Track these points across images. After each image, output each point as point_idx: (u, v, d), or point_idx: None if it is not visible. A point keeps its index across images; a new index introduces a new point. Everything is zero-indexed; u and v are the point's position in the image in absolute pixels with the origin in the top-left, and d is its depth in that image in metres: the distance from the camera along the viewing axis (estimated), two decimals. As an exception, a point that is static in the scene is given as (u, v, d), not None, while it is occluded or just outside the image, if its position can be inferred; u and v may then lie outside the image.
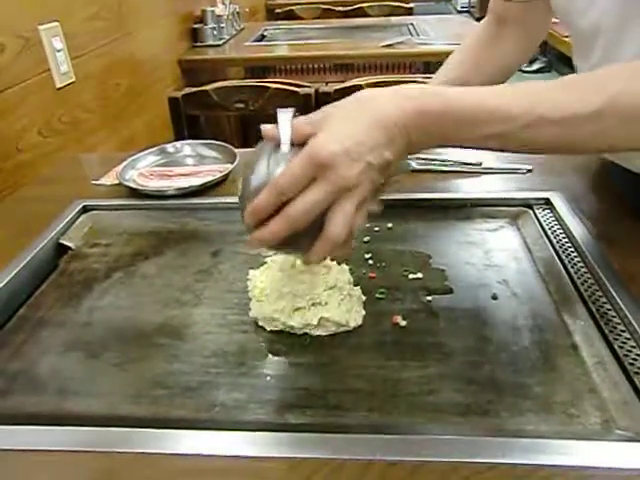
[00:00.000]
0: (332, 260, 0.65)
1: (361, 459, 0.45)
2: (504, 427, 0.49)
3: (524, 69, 4.67)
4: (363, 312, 0.62)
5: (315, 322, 0.59)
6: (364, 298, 0.64)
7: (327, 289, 0.62)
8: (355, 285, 0.65)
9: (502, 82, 0.72)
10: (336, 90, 1.48)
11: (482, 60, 0.69)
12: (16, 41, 1.15)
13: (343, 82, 1.52)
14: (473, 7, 6.40)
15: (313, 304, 0.60)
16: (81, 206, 0.87)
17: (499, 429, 0.49)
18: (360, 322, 0.61)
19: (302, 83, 1.54)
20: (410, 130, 0.47)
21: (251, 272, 0.68)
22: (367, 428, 0.49)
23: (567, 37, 3.62)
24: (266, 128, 0.50)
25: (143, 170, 0.97)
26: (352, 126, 0.46)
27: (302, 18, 3.23)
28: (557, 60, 4.54)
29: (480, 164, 0.93)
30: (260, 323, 0.62)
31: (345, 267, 0.66)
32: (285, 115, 0.52)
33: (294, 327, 0.60)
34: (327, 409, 0.52)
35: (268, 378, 0.56)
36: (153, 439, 0.48)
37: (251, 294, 0.64)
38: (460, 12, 6.25)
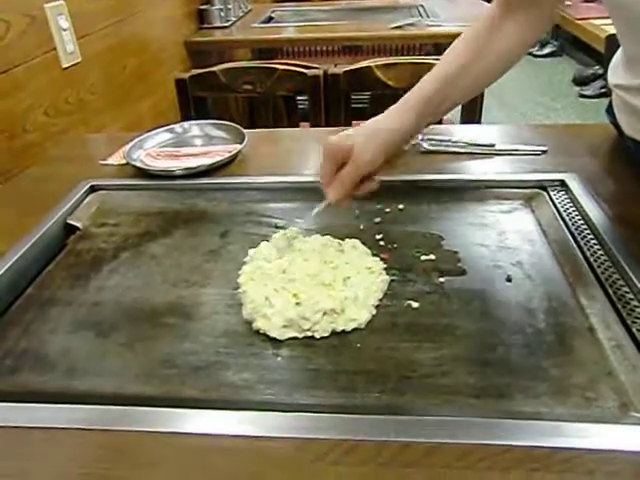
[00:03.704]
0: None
1: (374, 440, 0.44)
2: (519, 410, 0.48)
3: (535, 53, 4.59)
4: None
5: (327, 333, 0.57)
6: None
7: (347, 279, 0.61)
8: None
9: (505, 70, 0.70)
10: (345, 72, 1.46)
11: (483, 48, 0.67)
12: (22, 19, 1.13)
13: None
14: (483, -11, 6.30)
15: (325, 314, 0.58)
16: (89, 186, 0.86)
17: (514, 412, 0.48)
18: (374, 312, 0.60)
19: (310, 64, 1.52)
20: None
21: (250, 251, 0.68)
22: (379, 409, 0.49)
23: (580, 20, 3.56)
24: None
25: (151, 150, 0.96)
26: None
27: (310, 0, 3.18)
28: (569, 44, 4.46)
29: (493, 145, 0.91)
30: None
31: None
32: None
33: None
34: (338, 390, 0.51)
35: (278, 359, 0.55)
36: (162, 418, 0.48)
37: (241, 279, 0.64)
38: (470, -5, 6.15)
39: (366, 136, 0.63)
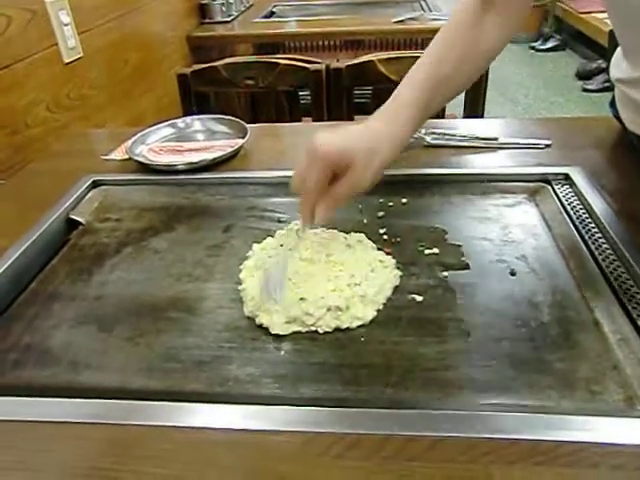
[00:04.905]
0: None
1: (378, 434, 0.44)
2: (524, 403, 0.48)
3: (538, 47, 4.57)
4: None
5: (330, 329, 0.57)
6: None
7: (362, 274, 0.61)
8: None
9: (488, 64, 0.68)
10: (347, 66, 1.45)
11: (469, 44, 0.64)
12: (22, 14, 1.13)
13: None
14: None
15: (329, 310, 0.57)
16: (91, 181, 0.86)
17: (519, 405, 0.47)
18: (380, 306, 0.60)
19: (312, 59, 1.51)
20: None
21: (254, 246, 0.68)
22: (383, 403, 0.48)
23: (583, 13, 3.54)
24: None
25: (153, 145, 0.96)
26: None
27: (312, -6, 3.16)
28: (572, 38, 4.43)
29: (496, 139, 0.90)
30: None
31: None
32: None
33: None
34: (342, 384, 0.51)
35: (282, 352, 0.55)
36: (166, 412, 0.48)
37: (242, 275, 0.63)
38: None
39: (369, 153, 0.56)
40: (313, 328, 0.57)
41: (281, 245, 0.67)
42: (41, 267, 0.71)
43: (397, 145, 0.60)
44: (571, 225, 0.69)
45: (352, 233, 0.69)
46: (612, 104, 0.86)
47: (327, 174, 0.55)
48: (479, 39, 0.64)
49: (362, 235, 0.68)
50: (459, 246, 0.68)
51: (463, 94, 1.37)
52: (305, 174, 0.55)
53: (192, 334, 0.58)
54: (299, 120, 1.52)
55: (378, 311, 0.58)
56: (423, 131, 0.91)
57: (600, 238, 0.66)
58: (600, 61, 3.75)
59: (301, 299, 0.57)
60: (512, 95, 3.63)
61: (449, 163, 0.85)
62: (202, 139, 1.00)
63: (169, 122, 1.02)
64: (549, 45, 4.56)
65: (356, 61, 1.45)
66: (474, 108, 1.42)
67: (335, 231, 0.69)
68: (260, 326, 0.58)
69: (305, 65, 1.46)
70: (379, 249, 0.67)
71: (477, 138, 0.91)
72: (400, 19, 2.09)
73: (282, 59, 1.47)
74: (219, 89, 1.52)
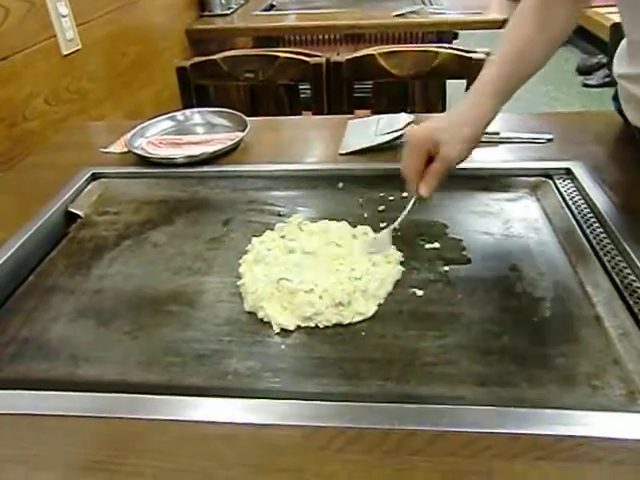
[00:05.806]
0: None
1: (379, 428, 0.44)
2: (525, 398, 0.48)
3: (538, 42, 4.55)
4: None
5: (331, 324, 0.57)
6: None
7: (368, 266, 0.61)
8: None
9: (558, 47, 0.71)
10: (348, 60, 1.44)
11: (537, 24, 0.68)
12: (20, 5, 1.12)
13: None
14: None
15: (331, 305, 0.57)
16: (90, 174, 0.86)
17: (520, 400, 0.47)
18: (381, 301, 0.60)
19: (313, 53, 1.50)
20: None
21: (253, 240, 0.68)
22: (384, 397, 0.48)
23: (584, 8, 3.52)
24: None
25: (152, 138, 0.95)
26: None
27: (312, -13, 3.14)
28: (573, 33, 4.40)
29: (498, 133, 0.90)
30: None
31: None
32: None
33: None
34: (343, 378, 0.51)
35: (282, 347, 0.55)
36: (165, 406, 0.48)
37: (242, 269, 0.63)
38: (473, -17, 6.08)
39: (451, 132, 0.64)
40: (312, 324, 0.56)
41: (282, 236, 0.67)
42: (40, 260, 0.70)
43: (478, 120, 0.65)
44: (572, 220, 0.69)
45: (359, 226, 0.69)
46: (615, 98, 0.86)
47: (420, 156, 0.64)
48: (547, 19, 0.67)
49: (367, 227, 0.68)
50: (460, 240, 0.68)
51: (464, 89, 1.36)
52: (405, 161, 0.66)
53: (192, 328, 0.58)
54: (299, 114, 1.51)
55: (379, 305, 0.58)
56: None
57: (601, 233, 0.65)
58: (601, 56, 3.73)
59: (304, 292, 0.57)
60: (512, 90, 3.62)
61: (450, 157, 0.85)
62: (202, 132, 1.00)
63: (168, 115, 1.02)
64: (550, 40, 4.54)
65: (356, 55, 1.44)
66: (475, 103, 1.41)
67: (344, 223, 0.69)
68: (261, 320, 0.58)
69: (305, 59, 1.45)
70: (380, 243, 0.67)
71: (478, 132, 0.90)
72: (400, 12, 2.07)
73: (282, 52, 1.46)
74: (219, 82, 1.51)
